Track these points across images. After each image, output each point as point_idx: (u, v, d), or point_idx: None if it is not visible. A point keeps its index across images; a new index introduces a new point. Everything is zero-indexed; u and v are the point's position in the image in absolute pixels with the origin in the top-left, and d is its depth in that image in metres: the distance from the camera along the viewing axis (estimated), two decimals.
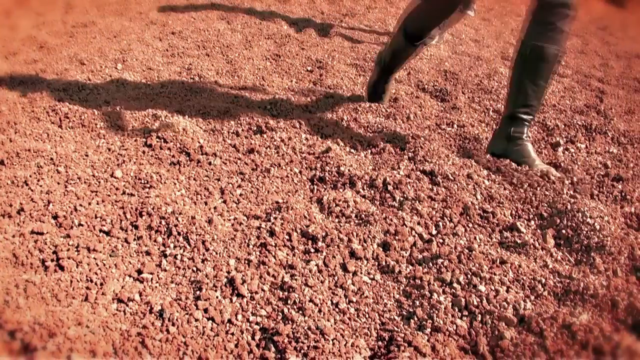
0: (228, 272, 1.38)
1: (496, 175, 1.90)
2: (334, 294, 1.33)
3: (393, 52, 2.41)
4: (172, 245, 1.47)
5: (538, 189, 1.78)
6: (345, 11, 4.64)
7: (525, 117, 1.98)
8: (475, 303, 1.27)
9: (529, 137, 2.02)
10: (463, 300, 1.28)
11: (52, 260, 1.35)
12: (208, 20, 4.11)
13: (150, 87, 2.73)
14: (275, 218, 1.58)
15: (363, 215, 1.63)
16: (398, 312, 1.29)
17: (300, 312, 1.25)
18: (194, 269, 1.40)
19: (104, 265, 1.37)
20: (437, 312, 1.25)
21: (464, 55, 3.73)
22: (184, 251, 1.45)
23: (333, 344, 1.16)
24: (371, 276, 1.40)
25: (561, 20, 1.82)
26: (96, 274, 1.34)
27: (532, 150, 2.00)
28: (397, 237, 1.52)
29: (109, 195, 1.68)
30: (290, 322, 1.22)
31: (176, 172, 1.87)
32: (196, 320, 1.22)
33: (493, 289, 1.32)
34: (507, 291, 1.32)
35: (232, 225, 1.59)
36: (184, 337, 1.17)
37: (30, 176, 1.71)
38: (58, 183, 1.72)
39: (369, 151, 2.12)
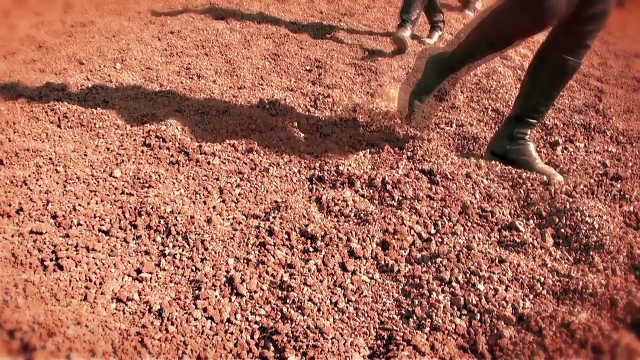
0: (227, 272, 1.38)
1: (495, 174, 1.90)
2: (333, 293, 1.33)
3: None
4: (171, 245, 1.47)
5: (537, 188, 1.79)
6: (344, 11, 4.64)
7: (531, 120, 1.99)
8: (474, 302, 1.27)
9: (530, 137, 2.03)
10: (462, 299, 1.28)
11: (51, 260, 1.35)
12: (207, 19, 4.11)
13: (149, 87, 2.73)
14: (274, 217, 1.58)
15: (362, 215, 1.63)
16: (397, 311, 1.29)
17: (300, 311, 1.25)
18: (193, 268, 1.40)
19: (103, 264, 1.37)
20: (436, 311, 1.25)
21: None
22: (182, 250, 1.45)
23: (332, 343, 1.16)
24: (370, 275, 1.40)
25: (590, 36, 1.80)
26: (95, 273, 1.34)
27: (532, 149, 2.00)
28: (396, 237, 1.52)
29: (108, 195, 1.68)
30: (289, 321, 1.22)
31: (175, 172, 1.87)
32: (195, 319, 1.22)
33: (492, 287, 1.32)
34: (506, 290, 1.32)
35: (231, 224, 1.59)
36: (183, 337, 1.17)
37: (29, 176, 1.71)
38: (57, 183, 1.72)
39: (368, 150, 2.12)
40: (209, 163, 1.94)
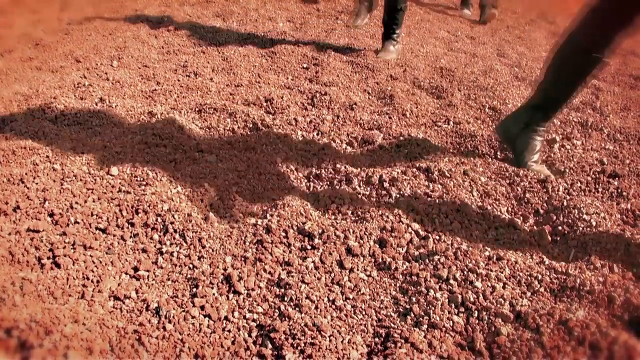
0: (224, 269, 1.37)
1: (492, 172, 1.90)
2: (330, 291, 1.33)
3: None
4: (168, 243, 1.47)
5: (534, 185, 1.79)
6: (340, 8, 4.63)
7: (550, 112, 1.94)
8: (472, 299, 1.27)
9: (545, 134, 1.97)
10: (459, 296, 1.28)
11: (48, 258, 1.35)
12: (204, 17, 4.10)
13: (146, 85, 2.72)
14: (272, 215, 1.58)
15: (359, 212, 1.63)
16: (395, 309, 1.29)
17: (297, 309, 1.25)
18: (191, 266, 1.39)
19: (100, 262, 1.37)
20: (433, 308, 1.25)
21: (460, 52, 3.73)
22: (180, 248, 1.45)
23: (330, 340, 1.16)
24: (368, 273, 1.40)
25: (618, 30, 1.70)
26: (92, 271, 1.33)
27: (537, 148, 1.97)
28: (393, 234, 1.52)
29: (105, 193, 1.67)
30: (286, 319, 1.22)
31: (172, 170, 1.87)
32: (193, 317, 1.22)
33: (489, 285, 1.32)
34: (504, 287, 1.32)
35: (229, 222, 1.59)
36: (181, 334, 1.17)
37: (26, 174, 1.70)
38: (54, 181, 1.71)
39: (365, 148, 2.12)
40: (206, 161, 1.94)
